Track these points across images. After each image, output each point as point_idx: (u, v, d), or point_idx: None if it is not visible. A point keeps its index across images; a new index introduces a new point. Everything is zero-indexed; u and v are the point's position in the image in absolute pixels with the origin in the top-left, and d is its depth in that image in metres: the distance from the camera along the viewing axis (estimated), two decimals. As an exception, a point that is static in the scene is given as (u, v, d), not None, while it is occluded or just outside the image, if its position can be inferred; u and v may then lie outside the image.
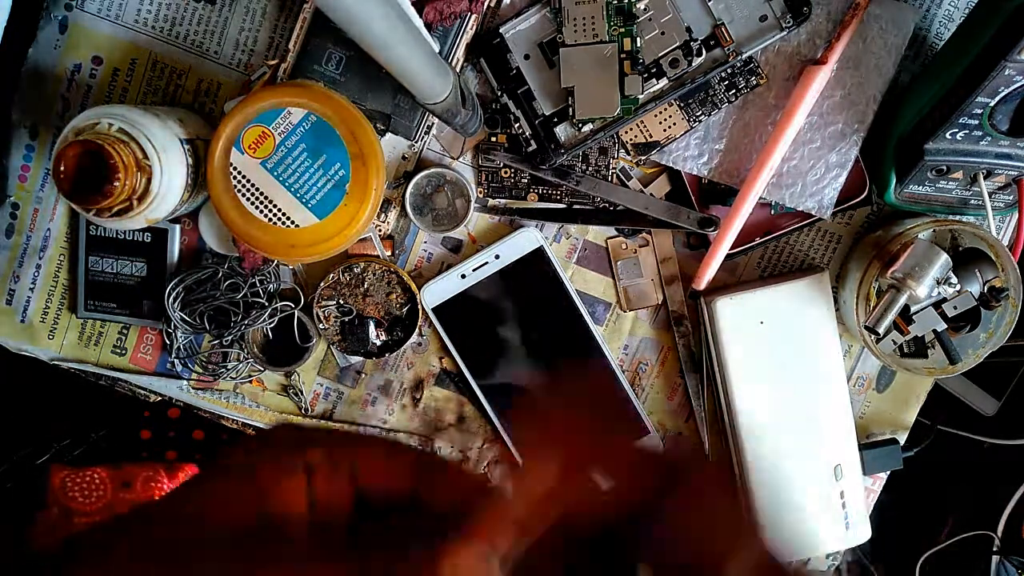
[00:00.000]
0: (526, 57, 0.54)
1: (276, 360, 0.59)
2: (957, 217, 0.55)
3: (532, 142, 0.54)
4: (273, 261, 0.57)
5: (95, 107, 0.49)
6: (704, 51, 0.52)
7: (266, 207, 0.49)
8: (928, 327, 0.52)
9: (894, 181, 0.52)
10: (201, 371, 0.60)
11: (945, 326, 0.52)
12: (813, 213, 0.55)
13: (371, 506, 0.25)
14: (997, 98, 0.45)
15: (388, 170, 0.55)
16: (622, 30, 0.52)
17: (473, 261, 0.58)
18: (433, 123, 0.56)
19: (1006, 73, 0.43)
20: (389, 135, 0.55)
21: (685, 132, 0.55)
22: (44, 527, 0.58)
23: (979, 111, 0.46)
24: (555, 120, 0.54)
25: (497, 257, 0.58)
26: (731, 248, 0.55)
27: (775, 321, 0.56)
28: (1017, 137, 0.48)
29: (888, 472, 0.60)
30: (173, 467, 0.61)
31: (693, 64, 0.52)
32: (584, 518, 0.26)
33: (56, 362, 0.60)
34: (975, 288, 0.52)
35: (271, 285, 0.58)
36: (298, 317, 0.58)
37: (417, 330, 0.59)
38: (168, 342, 0.59)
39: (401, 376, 0.61)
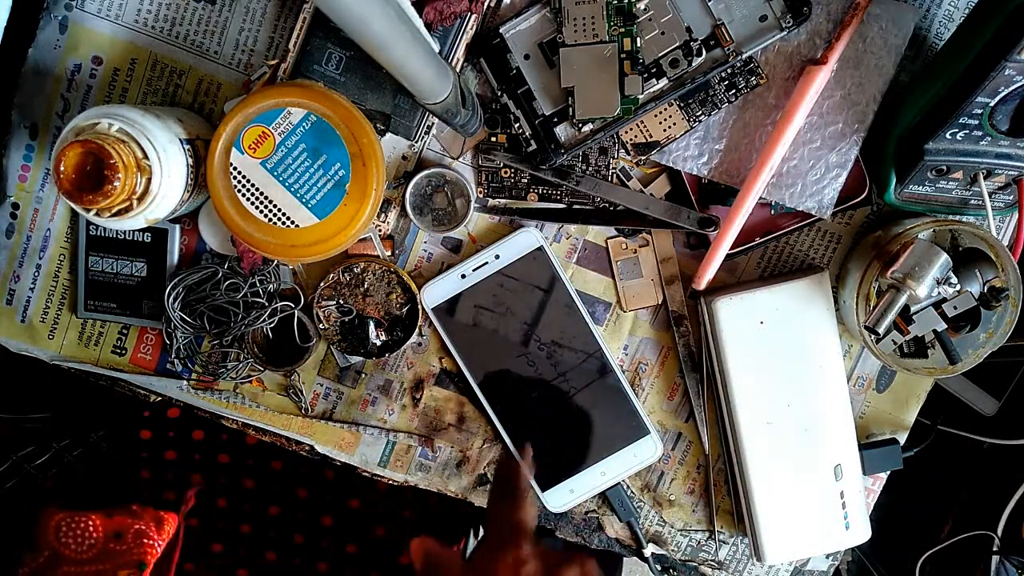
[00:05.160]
0: (526, 57, 0.54)
1: (276, 360, 0.59)
2: (957, 217, 0.55)
3: (532, 142, 0.54)
4: (273, 261, 0.57)
5: (95, 107, 0.49)
6: (704, 51, 0.52)
7: (266, 207, 0.49)
8: (928, 327, 0.52)
9: (894, 181, 0.52)
10: (201, 371, 0.60)
11: (945, 326, 0.52)
12: (813, 213, 0.55)
13: None
14: (997, 98, 0.45)
15: (388, 170, 0.55)
16: (622, 30, 0.52)
17: (473, 261, 0.58)
18: (433, 123, 0.56)
19: (1006, 73, 0.43)
20: (389, 135, 0.55)
21: (685, 132, 0.55)
22: (31, 569, 0.58)
23: (979, 111, 0.46)
24: (555, 120, 0.54)
25: (497, 257, 0.58)
26: (731, 248, 0.55)
27: (775, 321, 0.56)
28: (1017, 137, 0.48)
29: (888, 472, 0.60)
30: (160, 520, 0.60)
31: (693, 64, 0.52)
32: None
33: (56, 362, 0.60)
34: (975, 288, 0.51)
35: (271, 285, 0.58)
36: (298, 317, 0.58)
37: (417, 330, 0.59)
38: (168, 342, 0.59)
39: (401, 376, 0.61)
